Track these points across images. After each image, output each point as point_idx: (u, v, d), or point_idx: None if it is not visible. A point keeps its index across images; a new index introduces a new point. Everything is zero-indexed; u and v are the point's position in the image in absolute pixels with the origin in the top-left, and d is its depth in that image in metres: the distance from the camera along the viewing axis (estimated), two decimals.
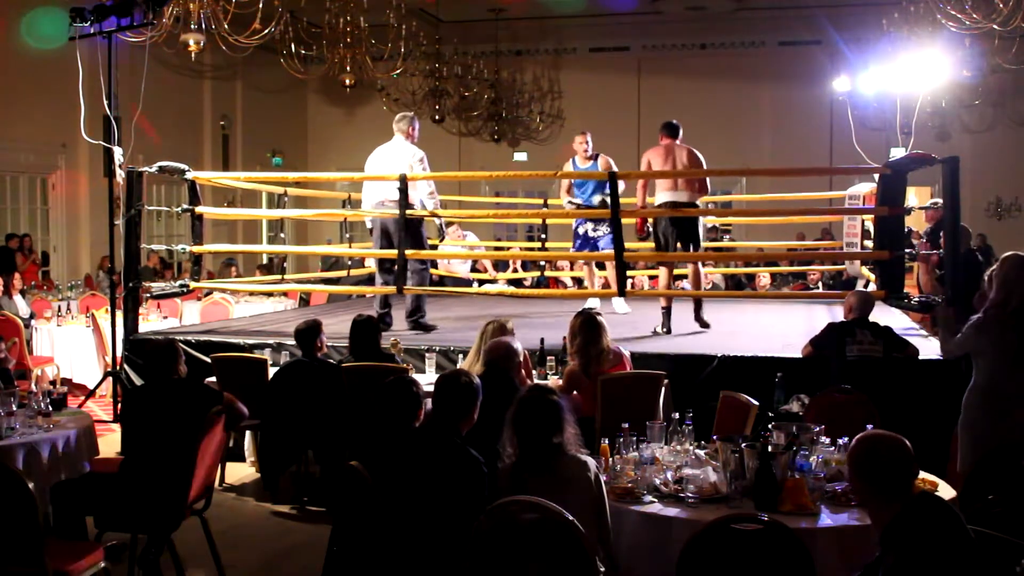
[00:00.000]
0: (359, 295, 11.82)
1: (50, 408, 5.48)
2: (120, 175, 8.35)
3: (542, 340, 6.72)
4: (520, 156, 19.86)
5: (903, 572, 2.80)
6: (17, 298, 11.24)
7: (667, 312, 7.99)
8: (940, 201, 8.12)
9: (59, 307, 11.39)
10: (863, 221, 9.57)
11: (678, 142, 8.20)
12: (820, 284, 12.70)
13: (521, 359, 5.33)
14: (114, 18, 8.14)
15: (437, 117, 17.49)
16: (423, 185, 8.31)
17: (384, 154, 8.48)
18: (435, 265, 12.56)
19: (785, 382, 6.06)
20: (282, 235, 10.98)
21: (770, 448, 3.86)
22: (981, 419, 4.79)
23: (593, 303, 9.14)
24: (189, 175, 8.83)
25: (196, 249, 9.10)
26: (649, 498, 3.89)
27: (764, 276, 12.61)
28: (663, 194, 8.08)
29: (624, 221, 8.05)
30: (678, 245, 8.00)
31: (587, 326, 5.72)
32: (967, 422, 4.87)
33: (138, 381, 7.68)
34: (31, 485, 3.93)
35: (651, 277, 11.89)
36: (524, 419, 3.71)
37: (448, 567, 3.55)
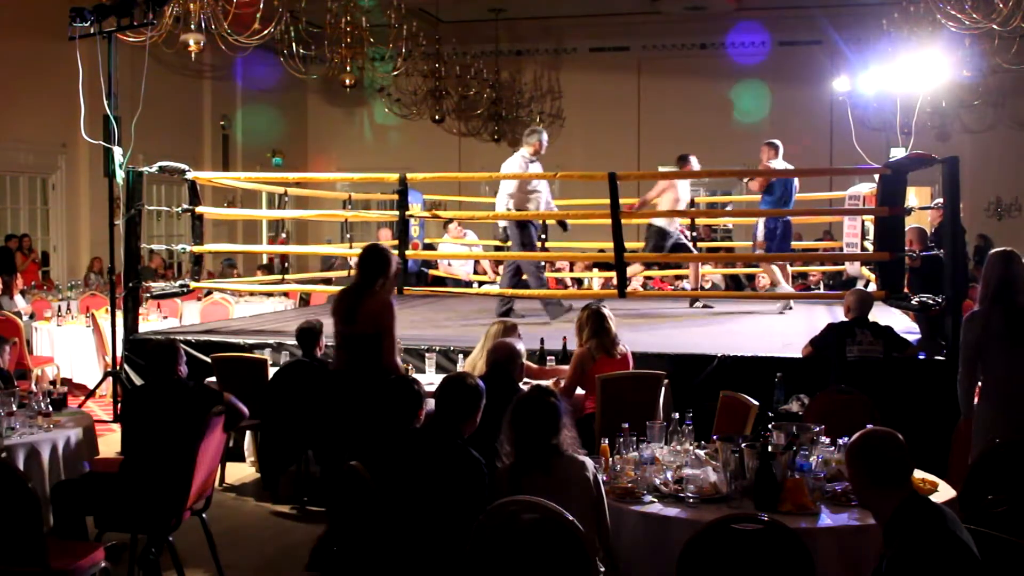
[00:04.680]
0: None
1: (50, 408, 5.48)
2: (120, 175, 8.35)
3: (542, 340, 6.73)
4: None
5: (903, 563, 2.83)
6: (17, 298, 11.24)
7: None
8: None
9: (59, 307, 11.39)
10: (863, 221, 9.57)
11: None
12: (821, 284, 12.70)
13: (524, 361, 5.39)
14: (114, 18, 8.15)
15: (437, 117, 17.47)
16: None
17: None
18: (435, 266, 12.58)
19: (785, 382, 6.06)
20: (283, 235, 10.99)
21: (770, 448, 3.86)
22: (988, 411, 4.79)
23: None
24: (189, 175, 8.84)
25: (196, 249, 9.10)
26: (649, 498, 3.89)
27: (764, 276, 12.59)
28: None
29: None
30: None
31: (596, 317, 5.96)
32: (977, 421, 4.85)
33: (138, 381, 7.68)
34: (31, 485, 3.93)
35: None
36: (522, 420, 3.72)
37: (448, 567, 3.55)
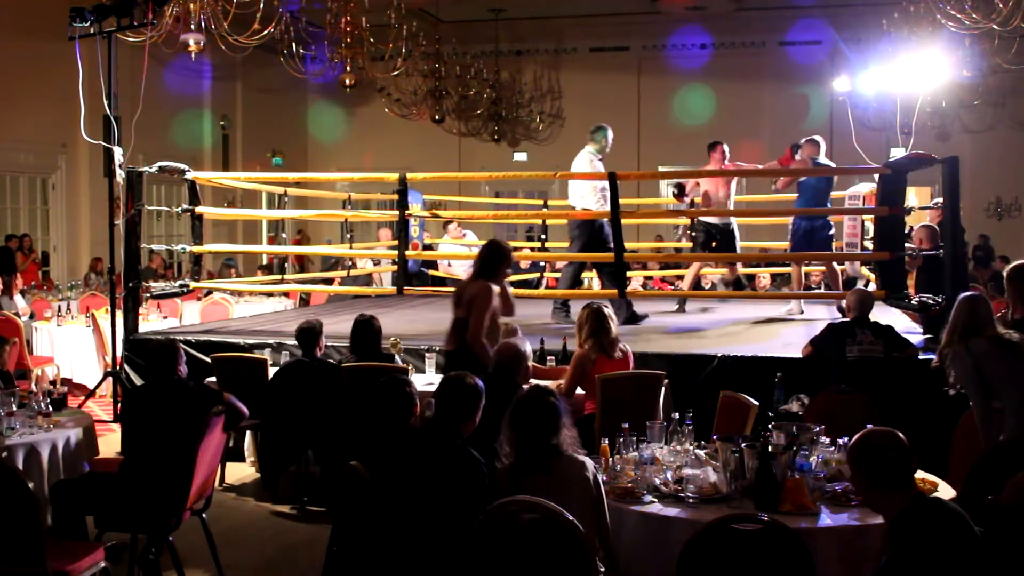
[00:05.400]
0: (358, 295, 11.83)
1: (50, 408, 5.48)
2: (120, 175, 8.35)
3: (542, 340, 6.73)
4: (520, 156, 19.84)
5: (902, 564, 2.82)
6: (17, 298, 11.23)
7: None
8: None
9: (59, 307, 11.39)
10: (863, 221, 9.56)
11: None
12: (822, 284, 12.66)
13: (529, 362, 5.39)
14: (114, 18, 8.15)
15: (437, 117, 17.47)
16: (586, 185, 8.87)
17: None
18: (435, 266, 12.58)
19: (785, 382, 6.06)
20: (283, 235, 11.00)
21: (770, 448, 3.86)
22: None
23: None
24: (189, 175, 8.84)
25: (196, 249, 9.11)
26: (649, 498, 3.89)
27: (764, 276, 12.59)
28: None
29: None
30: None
31: (595, 316, 5.92)
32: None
33: (138, 381, 7.68)
34: (31, 485, 3.93)
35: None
36: (521, 420, 3.72)
37: (448, 567, 3.55)
